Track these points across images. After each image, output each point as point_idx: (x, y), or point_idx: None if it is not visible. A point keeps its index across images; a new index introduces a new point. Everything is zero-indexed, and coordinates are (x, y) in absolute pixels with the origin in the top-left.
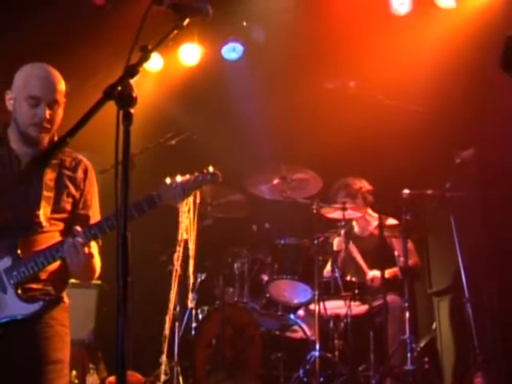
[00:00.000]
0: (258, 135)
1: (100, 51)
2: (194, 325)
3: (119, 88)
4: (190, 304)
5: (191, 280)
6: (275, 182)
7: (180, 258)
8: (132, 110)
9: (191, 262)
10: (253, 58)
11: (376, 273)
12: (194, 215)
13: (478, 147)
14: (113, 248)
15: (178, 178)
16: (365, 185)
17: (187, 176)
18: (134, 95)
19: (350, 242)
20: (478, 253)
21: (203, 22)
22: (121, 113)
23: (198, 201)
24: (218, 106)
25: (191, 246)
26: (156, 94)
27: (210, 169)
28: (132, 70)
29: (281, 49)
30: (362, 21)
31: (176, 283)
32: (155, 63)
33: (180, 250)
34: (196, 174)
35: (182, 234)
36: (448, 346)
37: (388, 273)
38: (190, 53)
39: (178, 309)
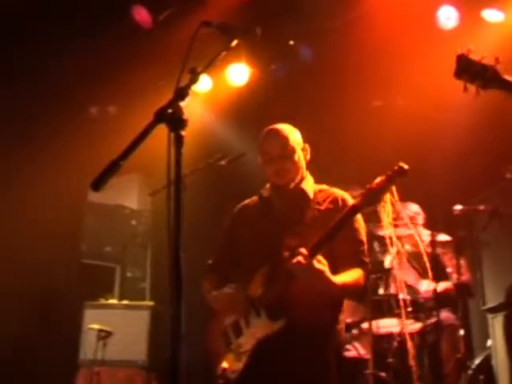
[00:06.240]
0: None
1: (147, 74)
2: None
3: (170, 111)
4: None
5: None
6: None
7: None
8: (183, 133)
9: None
10: (300, 76)
11: (428, 285)
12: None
13: None
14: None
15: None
16: (413, 210)
17: (378, 179)
18: (185, 118)
19: (403, 260)
20: None
21: (251, 43)
22: (172, 135)
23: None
24: (266, 126)
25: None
26: (204, 115)
27: (401, 164)
28: (182, 93)
29: (328, 67)
30: (409, 36)
31: None
32: (204, 84)
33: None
34: (388, 173)
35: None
36: (504, 363)
37: (441, 287)
38: (239, 73)
39: None
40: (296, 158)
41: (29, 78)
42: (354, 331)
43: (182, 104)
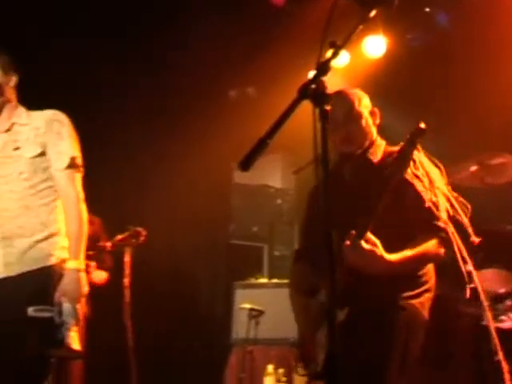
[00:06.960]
0: (450, 122)
1: (283, 53)
2: None
3: (313, 86)
4: None
5: None
6: (473, 169)
7: None
8: (328, 108)
9: None
10: (438, 45)
11: None
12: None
13: None
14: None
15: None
16: None
17: (400, 144)
18: (328, 92)
19: None
20: None
21: (387, 12)
22: (317, 111)
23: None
24: (406, 96)
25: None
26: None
27: (419, 125)
28: (324, 67)
29: (468, 35)
30: None
31: None
32: (341, 59)
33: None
34: (407, 136)
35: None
36: None
37: None
38: (375, 45)
39: None
40: (363, 122)
41: (169, 64)
42: (508, 302)
43: (325, 78)
